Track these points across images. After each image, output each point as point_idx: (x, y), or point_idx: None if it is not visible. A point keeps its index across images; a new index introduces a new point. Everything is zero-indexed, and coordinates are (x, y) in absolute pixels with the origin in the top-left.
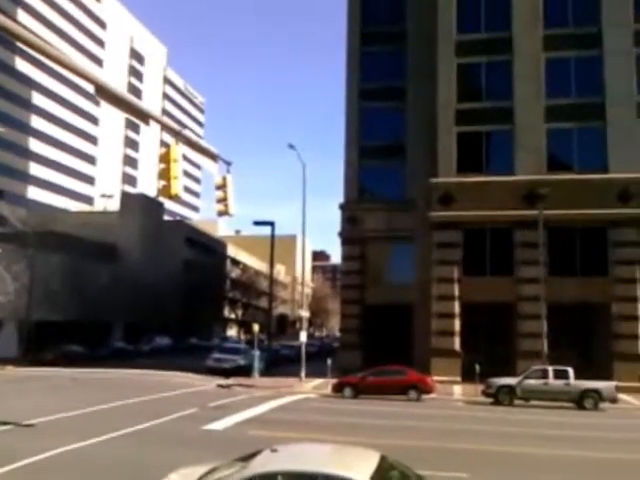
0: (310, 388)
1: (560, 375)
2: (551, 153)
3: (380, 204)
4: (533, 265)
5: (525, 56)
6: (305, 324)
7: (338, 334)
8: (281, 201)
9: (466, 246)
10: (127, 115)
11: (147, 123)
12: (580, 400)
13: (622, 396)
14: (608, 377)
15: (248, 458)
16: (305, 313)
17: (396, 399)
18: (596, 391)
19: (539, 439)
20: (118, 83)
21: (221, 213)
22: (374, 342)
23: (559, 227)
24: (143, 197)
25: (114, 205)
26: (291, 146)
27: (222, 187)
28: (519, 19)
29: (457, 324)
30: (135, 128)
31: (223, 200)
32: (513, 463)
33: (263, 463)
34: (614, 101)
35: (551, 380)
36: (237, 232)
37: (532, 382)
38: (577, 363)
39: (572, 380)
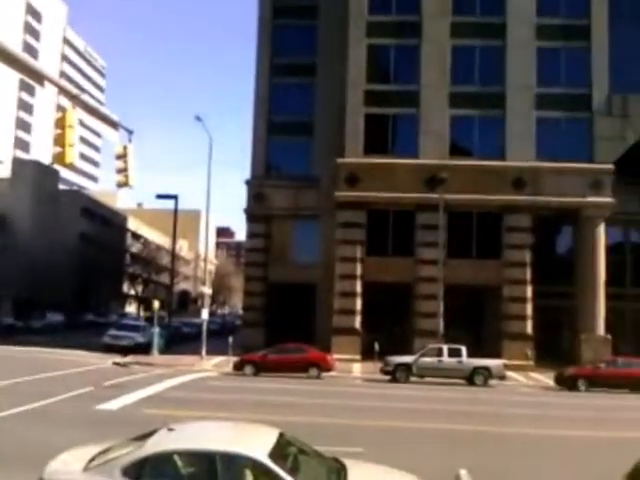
0: (211, 366)
1: (454, 353)
2: (453, 138)
3: (287, 181)
4: (432, 247)
5: (433, 42)
6: (207, 301)
7: (241, 312)
8: (186, 175)
9: (370, 226)
10: (21, 75)
11: (42, 85)
12: (471, 377)
13: (510, 373)
14: (498, 355)
15: (143, 438)
16: (207, 290)
17: (297, 377)
18: (486, 368)
19: (434, 414)
20: (12, 40)
21: (121, 184)
22: (277, 320)
23: (458, 211)
24: (36, 164)
25: (5, 172)
26: (198, 118)
27: (123, 157)
28: (428, 5)
29: (359, 303)
30: (30, 90)
31: (123, 170)
32: (408, 437)
33: (158, 442)
34: (514, 91)
35: (445, 358)
36: (139, 205)
37: (428, 360)
38: (470, 342)
39: (465, 358)
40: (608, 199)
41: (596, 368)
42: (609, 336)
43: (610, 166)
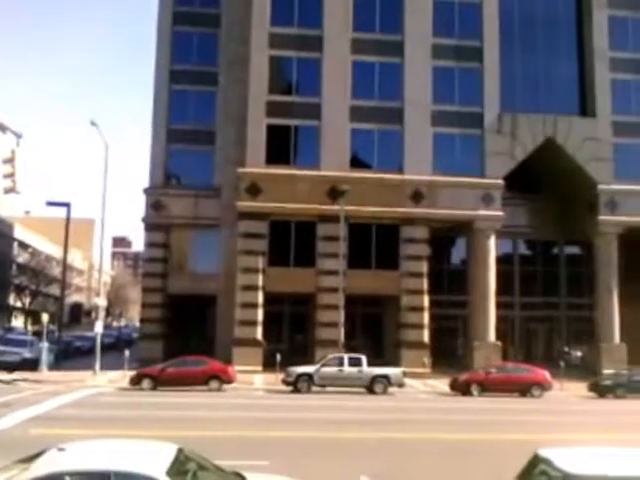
0: (105, 381)
1: (354, 362)
2: (354, 151)
3: (187, 190)
4: (333, 258)
5: (334, 56)
6: (102, 313)
7: (138, 324)
8: (80, 182)
9: (271, 237)
10: None
11: None
12: (371, 385)
13: (409, 381)
14: (397, 363)
15: (31, 459)
16: (102, 302)
17: (197, 390)
18: (385, 377)
19: (336, 423)
20: None
21: (8, 190)
22: (176, 332)
23: (358, 222)
24: None
25: None
26: (93, 123)
27: (10, 161)
28: (330, 19)
29: (260, 314)
30: None
31: (11, 175)
32: (313, 447)
33: (48, 463)
34: (411, 108)
35: (346, 367)
36: (27, 213)
37: (329, 370)
38: (370, 351)
39: (365, 367)
40: (498, 212)
41: (488, 374)
42: (499, 343)
43: (500, 181)
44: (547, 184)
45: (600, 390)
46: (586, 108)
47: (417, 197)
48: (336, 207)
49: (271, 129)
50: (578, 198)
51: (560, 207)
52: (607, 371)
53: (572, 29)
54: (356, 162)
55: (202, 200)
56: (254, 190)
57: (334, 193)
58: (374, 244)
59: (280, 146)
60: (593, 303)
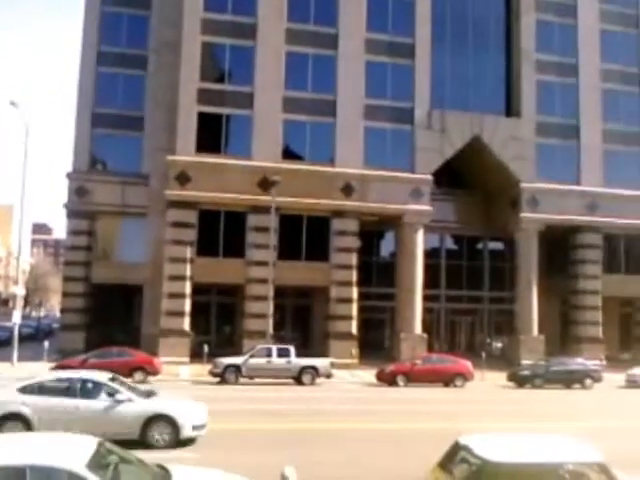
0: (25, 374)
1: (283, 353)
2: (286, 142)
3: (113, 177)
4: (264, 249)
5: (268, 45)
6: (20, 303)
7: (59, 314)
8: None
9: (200, 227)
10: None
11: None
12: (299, 376)
13: (336, 371)
14: (326, 354)
15: None
16: (20, 290)
17: None
18: (313, 367)
19: (263, 414)
20: None
21: None
22: (100, 323)
23: (289, 214)
24: None
25: None
26: (13, 104)
27: None
28: (265, 8)
29: (188, 304)
30: None
31: None
32: (239, 439)
33: None
34: (344, 101)
35: (274, 358)
36: None
37: (257, 361)
38: (299, 342)
39: (293, 358)
40: (426, 207)
41: (413, 365)
42: (425, 334)
43: (429, 177)
44: (473, 181)
45: (519, 380)
46: (512, 108)
47: (348, 190)
48: (267, 198)
49: (202, 117)
50: (502, 195)
51: (485, 203)
52: (526, 362)
53: (501, 30)
54: (288, 153)
55: (129, 187)
56: (183, 179)
57: (265, 184)
58: (305, 236)
59: (211, 134)
60: (514, 297)
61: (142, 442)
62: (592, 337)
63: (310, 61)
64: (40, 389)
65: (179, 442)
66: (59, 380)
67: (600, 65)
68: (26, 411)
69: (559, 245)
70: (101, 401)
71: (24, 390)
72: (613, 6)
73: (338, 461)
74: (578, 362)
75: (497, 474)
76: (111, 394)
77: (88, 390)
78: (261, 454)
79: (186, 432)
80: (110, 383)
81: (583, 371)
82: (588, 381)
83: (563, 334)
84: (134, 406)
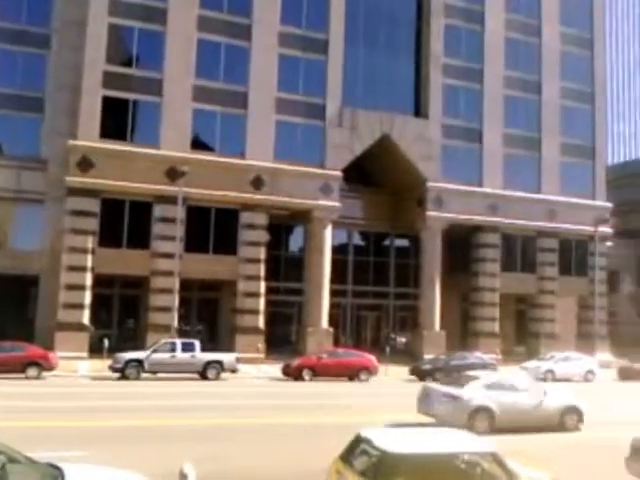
0: None
1: (187, 348)
2: (196, 132)
3: (8, 160)
4: (170, 240)
5: (179, 31)
6: None
7: None
8: None
9: (103, 216)
10: None
11: None
12: (204, 371)
13: (242, 366)
14: (232, 349)
15: None
16: None
17: (13, 378)
18: (219, 362)
19: (163, 410)
20: None
21: None
22: None
23: (197, 205)
24: None
25: None
26: None
27: None
28: None
29: (88, 297)
30: None
31: None
32: (137, 436)
33: None
34: (256, 93)
35: (179, 353)
36: None
37: (160, 355)
38: (206, 336)
39: (198, 352)
40: (335, 203)
41: (319, 359)
42: (331, 329)
43: (339, 173)
44: (382, 178)
45: (420, 374)
46: (420, 109)
47: (258, 183)
48: (175, 188)
49: (107, 101)
50: (409, 194)
51: (393, 201)
52: (428, 356)
53: (412, 33)
54: (198, 143)
55: (26, 172)
56: (86, 165)
57: (173, 173)
58: (213, 228)
59: (117, 120)
60: (418, 293)
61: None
62: (490, 332)
63: (222, 50)
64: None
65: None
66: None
67: (503, 72)
68: (492, 405)
69: (461, 244)
70: (532, 395)
71: (489, 387)
72: (517, 15)
73: (241, 456)
74: (476, 356)
75: (395, 465)
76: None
77: (524, 388)
78: (159, 451)
79: None
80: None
81: (480, 365)
82: None
83: (463, 329)
84: (551, 400)
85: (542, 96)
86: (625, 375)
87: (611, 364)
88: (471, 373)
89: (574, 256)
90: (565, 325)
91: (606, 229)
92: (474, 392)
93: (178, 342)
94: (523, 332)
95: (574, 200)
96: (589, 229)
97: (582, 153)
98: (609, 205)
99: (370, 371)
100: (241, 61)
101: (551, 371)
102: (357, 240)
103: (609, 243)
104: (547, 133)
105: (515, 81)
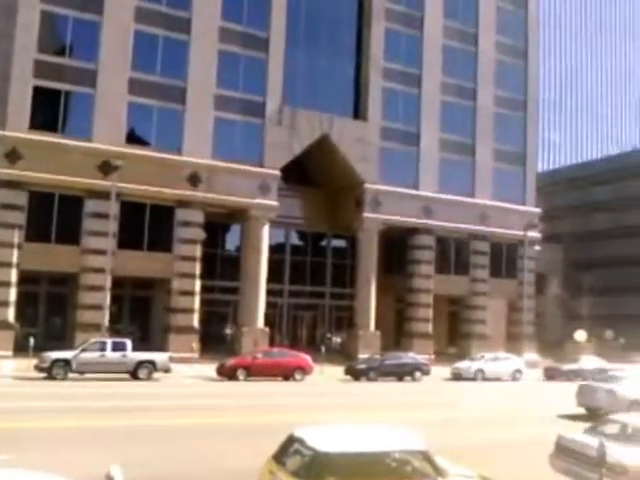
0: None
1: (118, 347)
2: (131, 126)
3: None
4: (102, 236)
5: (115, 22)
6: None
7: None
8: None
9: (31, 210)
10: None
11: None
12: (135, 371)
13: (176, 366)
14: (166, 348)
15: None
16: None
17: None
18: (151, 362)
19: (90, 412)
20: None
21: None
22: None
23: (131, 201)
24: None
25: None
26: None
27: None
28: None
29: (13, 294)
30: None
31: None
32: (62, 439)
33: None
34: (195, 88)
35: (109, 352)
36: None
37: (89, 355)
38: (138, 335)
39: (129, 352)
40: (273, 202)
41: (254, 358)
42: (267, 329)
43: (277, 172)
44: (320, 179)
45: (355, 373)
46: (359, 111)
47: (195, 180)
48: (108, 183)
49: (38, 91)
50: (347, 194)
51: (331, 201)
52: (362, 356)
53: (352, 35)
54: (133, 138)
55: None
56: (13, 156)
57: (106, 168)
58: (147, 225)
59: (48, 111)
60: (354, 293)
61: None
62: (423, 333)
63: (160, 43)
64: None
65: None
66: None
67: (441, 77)
68: None
69: (397, 245)
70: None
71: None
72: (455, 23)
73: (173, 459)
74: (410, 356)
75: (327, 464)
76: None
77: None
78: (86, 454)
79: None
80: None
81: (413, 364)
82: (418, 374)
83: (398, 329)
84: None
85: (477, 103)
86: (550, 375)
87: (537, 364)
88: (617, 373)
89: (504, 259)
90: (496, 326)
91: (535, 234)
92: (629, 387)
93: (108, 341)
94: (456, 333)
95: (505, 205)
96: (519, 233)
97: (514, 160)
98: (538, 210)
99: (305, 371)
100: (180, 55)
101: (481, 371)
102: (294, 239)
103: (537, 247)
104: (481, 139)
105: (452, 87)
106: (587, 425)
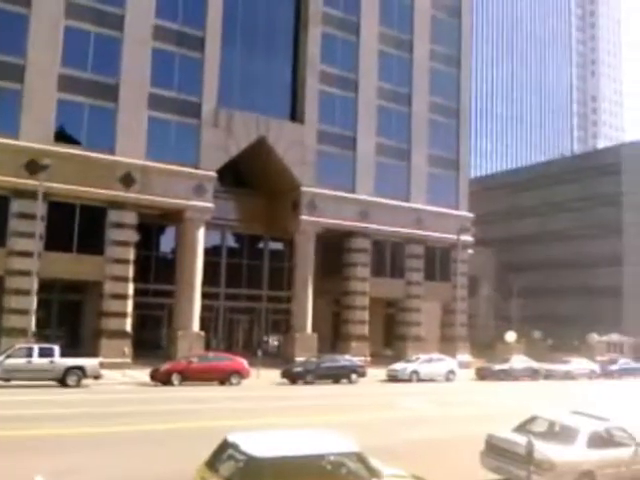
0: None
1: (45, 353)
2: (60, 124)
3: None
4: (28, 238)
5: (44, 16)
6: None
7: None
8: None
9: None
10: None
11: None
12: (64, 377)
13: (107, 372)
14: (97, 354)
15: None
16: None
17: None
18: (80, 368)
19: (13, 421)
20: None
21: None
22: None
23: (60, 201)
24: None
25: None
26: None
27: None
28: None
29: None
30: None
31: None
32: None
33: None
34: (128, 87)
35: (35, 358)
36: None
37: (14, 361)
38: (68, 340)
39: (57, 358)
40: (209, 204)
41: (189, 363)
42: (203, 332)
43: (213, 173)
44: (258, 181)
45: (292, 377)
46: (296, 113)
47: (128, 181)
48: (35, 182)
49: None
50: (284, 197)
51: (268, 204)
52: (299, 359)
53: (290, 37)
54: (62, 136)
55: None
56: None
57: (33, 167)
58: (77, 226)
59: None
60: (291, 296)
61: None
62: (360, 335)
63: (92, 39)
64: None
65: None
66: None
67: (377, 82)
68: None
69: (334, 248)
70: None
71: None
72: (391, 30)
73: (100, 465)
74: (346, 359)
75: (261, 469)
76: None
77: None
78: (12, 464)
79: None
80: None
81: (350, 367)
82: (354, 376)
83: (335, 332)
84: None
85: (412, 109)
86: (482, 375)
87: (470, 364)
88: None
89: (438, 263)
90: (430, 328)
91: (468, 238)
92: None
93: (35, 347)
94: (391, 335)
95: (439, 209)
96: (452, 237)
97: (447, 165)
98: (471, 215)
99: (241, 375)
100: (112, 52)
101: (416, 372)
102: (231, 242)
103: (470, 251)
104: (416, 144)
105: (388, 92)
106: (517, 424)
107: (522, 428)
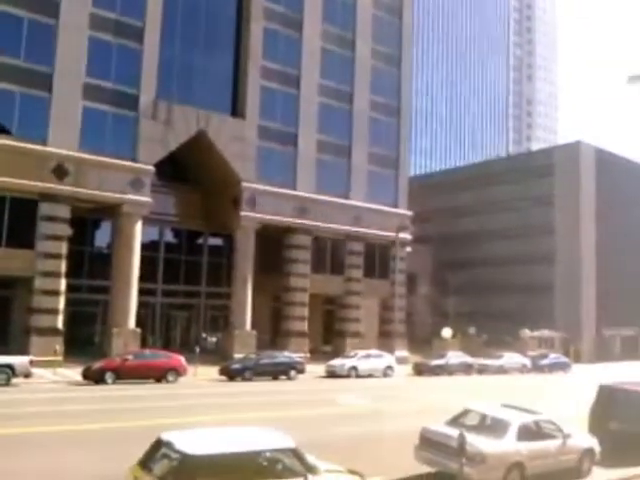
0: None
1: None
2: None
3: None
4: None
5: None
6: None
7: None
8: None
9: None
10: None
11: None
12: None
13: (37, 370)
14: (26, 352)
15: None
16: None
17: None
18: (9, 366)
19: None
20: None
21: None
22: None
23: None
24: None
25: None
26: None
27: None
28: None
29: None
30: None
31: None
32: None
33: None
34: (62, 75)
35: None
36: None
37: None
38: None
39: None
40: (146, 198)
41: (124, 361)
42: (139, 329)
43: (151, 167)
44: (197, 175)
45: (230, 374)
46: (237, 108)
47: (61, 173)
48: None
49: None
50: (224, 192)
51: (208, 199)
52: (238, 356)
53: (231, 32)
54: None
55: None
56: None
57: None
58: (6, 219)
59: None
60: (230, 292)
61: None
62: (299, 331)
63: (25, 26)
64: None
65: None
66: None
67: (319, 80)
68: None
69: (274, 244)
70: None
71: None
72: (333, 27)
73: (31, 469)
74: (285, 355)
75: (196, 467)
76: None
77: None
78: None
79: None
80: None
81: (288, 363)
82: (292, 372)
83: (274, 328)
84: None
85: (353, 106)
86: (419, 370)
87: (408, 360)
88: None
89: (378, 260)
90: (369, 324)
91: (406, 235)
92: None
93: None
94: (331, 331)
95: (379, 207)
96: (391, 235)
97: (387, 163)
98: (410, 213)
99: (178, 372)
100: (46, 40)
101: (355, 368)
102: (169, 237)
103: (409, 248)
104: (357, 142)
105: (329, 90)
106: (450, 417)
107: (455, 421)
